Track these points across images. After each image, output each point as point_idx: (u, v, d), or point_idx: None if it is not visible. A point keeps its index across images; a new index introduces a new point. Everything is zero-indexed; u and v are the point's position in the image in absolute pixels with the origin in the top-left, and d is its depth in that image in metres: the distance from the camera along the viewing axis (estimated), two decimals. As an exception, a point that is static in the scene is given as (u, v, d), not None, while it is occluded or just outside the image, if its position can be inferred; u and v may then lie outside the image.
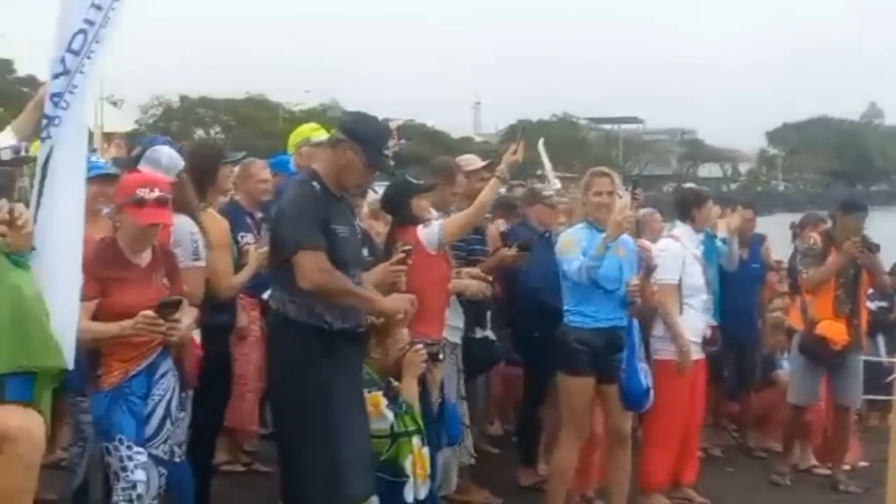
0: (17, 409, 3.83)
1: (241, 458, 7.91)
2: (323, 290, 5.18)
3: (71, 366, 4.26)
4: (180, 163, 5.99)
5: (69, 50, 4.68)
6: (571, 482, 7.12)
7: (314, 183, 5.34)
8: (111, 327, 4.97)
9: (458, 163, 7.63)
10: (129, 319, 4.93)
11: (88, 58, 4.69)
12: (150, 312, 4.94)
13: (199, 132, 64.33)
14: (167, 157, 5.89)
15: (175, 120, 69.44)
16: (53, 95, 4.67)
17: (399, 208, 6.71)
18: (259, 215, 7.51)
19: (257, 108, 70.91)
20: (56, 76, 4.68)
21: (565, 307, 6.89)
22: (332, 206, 5.34)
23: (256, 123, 64.69)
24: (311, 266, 5.16)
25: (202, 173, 6.30)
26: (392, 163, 5.73)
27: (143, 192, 5.14)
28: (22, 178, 5.47)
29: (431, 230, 6.57)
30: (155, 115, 70.51)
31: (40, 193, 4.56)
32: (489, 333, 7.37)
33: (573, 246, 6.82)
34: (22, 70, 51.23)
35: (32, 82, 50.93)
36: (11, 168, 4.59)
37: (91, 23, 4.70)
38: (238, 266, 6.52)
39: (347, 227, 5.38)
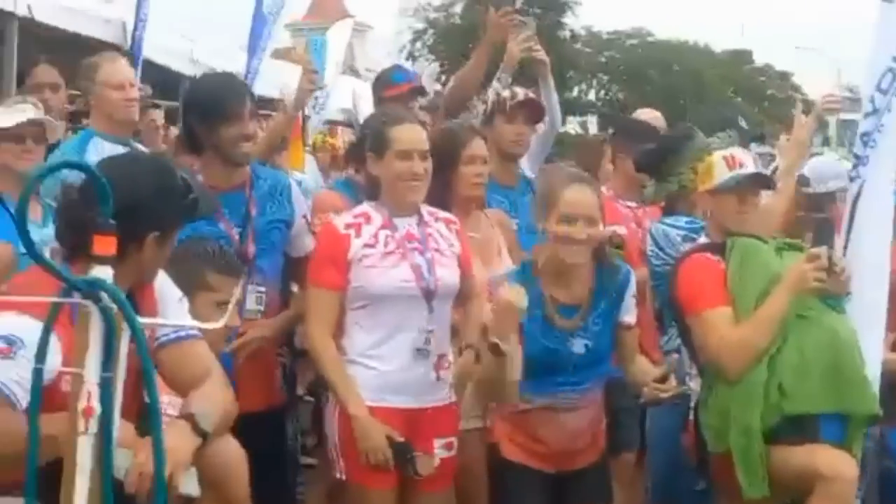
0: (830, 449, 3.95)
1: None
2: None
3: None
4: None
5: (878, 89, 4.71)
6: None
7: None
8: None
9: None
10: None
11: None
12: None
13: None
14: None
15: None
16: (863, 135, 4.73)
17: None
18: None
19: None
20: (866, 115, 4.73)
21: None
22: None
23: None
24: None
25: None
26: None
27: None
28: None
29: None
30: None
31: (849, 231, 4.66)
32: None
33: None
34: (759, 59, 52.05)
35: (767, 71, 51.56)
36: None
37: (900, 61, 4.69)
38: None
39: None
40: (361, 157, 5.01)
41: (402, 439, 4.00)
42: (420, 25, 47.49)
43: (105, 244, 2.44)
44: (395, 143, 4.09)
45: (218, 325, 2.76)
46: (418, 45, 46.66)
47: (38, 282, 2.96)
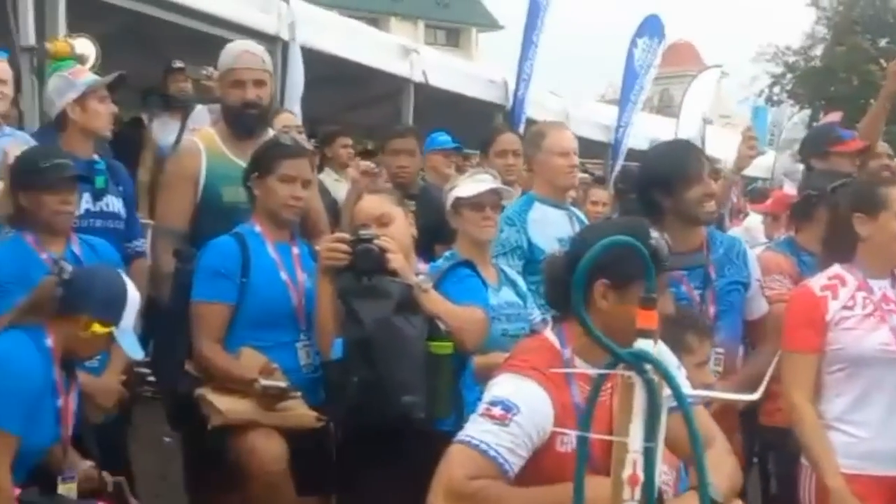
0: None
1: None
2: None
3: None
4: None
5: None
6: None
7: None
8: None
9: None
10: None
11: None
12: None
13: None
14: None
15: None
16: None
17: None
18: None
19: None
20: None
21: None
22: None
23: None
24: None
25: None
26: None
27: None
28: None
29: None
30: None
31: None
32: None
33: None
34: None
35: None
36: None
37: None
38: None
39: None
40: (804, 217, 5.00)
41: None
42: (778, 70, 46.34)
43: (648, 318, 2.50)
44: (895, 203, 4.04)
45: (754, 396, 2.77)
46: (776, 89, 45.53)
47: (541, 347, 3.11)
